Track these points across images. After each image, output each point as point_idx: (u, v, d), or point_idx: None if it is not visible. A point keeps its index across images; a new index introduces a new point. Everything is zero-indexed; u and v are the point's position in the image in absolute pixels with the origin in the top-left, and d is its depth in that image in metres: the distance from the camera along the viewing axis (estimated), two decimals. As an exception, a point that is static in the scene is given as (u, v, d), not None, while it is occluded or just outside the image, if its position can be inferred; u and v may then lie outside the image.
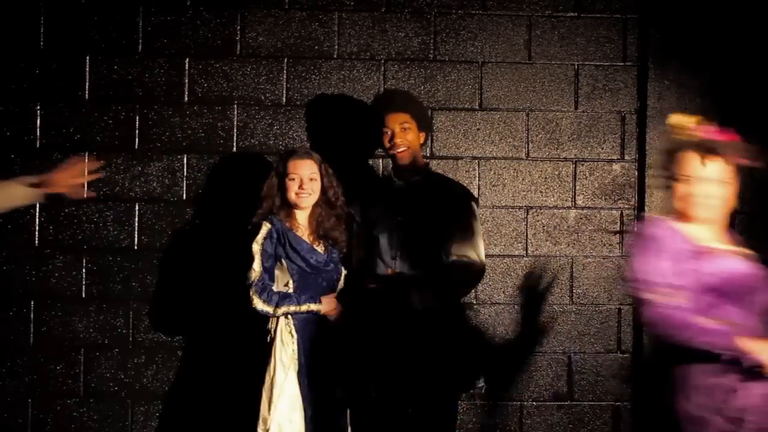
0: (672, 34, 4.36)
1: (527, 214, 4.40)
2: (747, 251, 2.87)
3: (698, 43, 4.36)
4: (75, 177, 3.40)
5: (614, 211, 4.41)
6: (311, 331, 3.57)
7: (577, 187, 4.41)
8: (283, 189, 3.63)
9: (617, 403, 4.40)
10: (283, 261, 3.55)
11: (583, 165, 4.41)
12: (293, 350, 3.51)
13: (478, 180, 4.38)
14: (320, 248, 3.66)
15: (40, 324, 4.26)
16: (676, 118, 2.88)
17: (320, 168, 3.68)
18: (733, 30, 4.37)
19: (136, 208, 4.29)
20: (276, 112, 4.34)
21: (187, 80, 4.32)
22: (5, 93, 4.26)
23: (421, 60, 4.40)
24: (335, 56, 4.37)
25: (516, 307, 4.38)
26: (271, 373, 3.48)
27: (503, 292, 4.38)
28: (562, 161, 4.41)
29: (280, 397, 3.45)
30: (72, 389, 4.27)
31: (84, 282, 4.28)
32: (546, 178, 4.40)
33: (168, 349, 4.30)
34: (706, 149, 2.77)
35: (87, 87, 4.29)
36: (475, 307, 4.35)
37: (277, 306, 3.48)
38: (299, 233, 3.63)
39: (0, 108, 4.25)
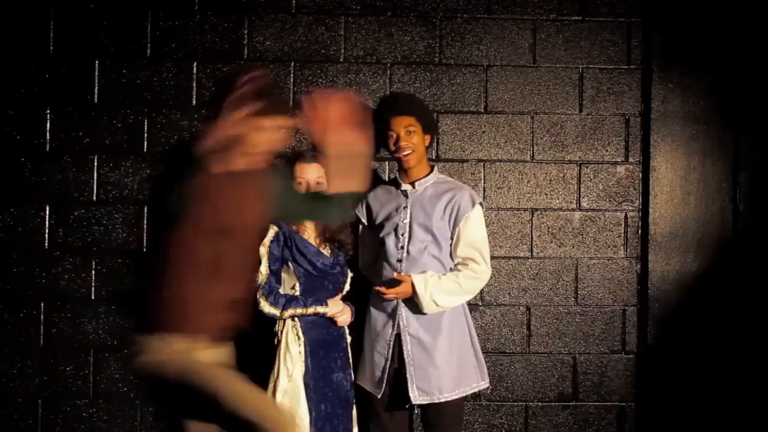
0: (675, 37, 4.38)
1: (532, 215, 4.42)
2: None
3: (702, 46, 4.38)
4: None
5: (618, 213, 4.43)
6: (318, 333, 3.60)
7: (582, 189, 4.43)
8: (290, 192, 3.66)
9: (622, 404, 4.42)
10: (290, 264, 3.58)
11: (587, 167, 4.44)
12: (300, 352, 3.54)
13: (484, 182, 4.41)
14: (326, 251, 3.69)
15: (50, 325, 4.30)
16: None
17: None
18: (736, 33, 4.39)
19: (145, 210, 4.33)
20: (283, 116, 4.37)
21: (195, 84, 4.36)
22: (16, 97, 4.30)
23: (426, 63, 4.42)
24: (342, 60, 4.40)
25: (521, 308, 4.41)
26: (275, 376, 3.51)
27: (508, 293, 4.41)
28: (566, 163, 4.43)
29: (281, 399, 3.47)
30: (81, 390, 4.31)
31: (93, 284, 4.32)
32: (551, 180, 4.42)
33: (176, 350, 4.33)
34: None
35: (96, 91, 4.33)
36: (480, 308, 4.38)
37: (283, 308, 3.51)
38: (306, 236, 3.66)
39: (11, 112, 4.30)
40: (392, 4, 4.42)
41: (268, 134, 2.84)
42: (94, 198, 4.32)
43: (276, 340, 3.58)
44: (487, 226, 3.92)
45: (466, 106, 4.42)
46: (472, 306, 4.24)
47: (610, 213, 4.43)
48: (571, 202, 4.43)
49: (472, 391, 3.82)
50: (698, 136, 4.40)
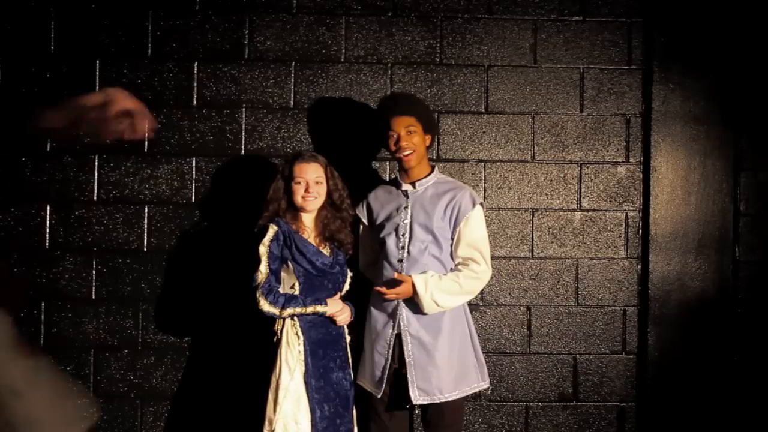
0: (676, 37, 4.39)
1: (533, 216, 4.42)
2: None
3: (702, 47, 4.38)
4: None
5: (619, 213, 4.43)
6: (317, 332, 3.59)
7: (583, 190, 4.43)
8: (289, 192, 3.65)
9: (622, 404, 4.42)
10: (290, 263, 3.58)
11: (588, 167, 4.44)
12: (299, 351, 3.54)
13: (484, 182, 4.41)
14: (326, 250, 3.69)
15: (51, 325, 4.31)
16: None
17: (326, 171, 3.70)
18: (736, 33, 4.39)
19: (146, 210, 4.33)
20: (284, 116, 4.38)
21: (195, 84, 4.36)
22: (16, 96, 4.30)
23: (427, 64, 4.42)
24: (342, 60, 4.40)
25: (522, 308, 4.40)
26: (277, 375, 3.51)
27: (509, 293, 4.41)
28: (567, 164, 4.43)
29: (285, 398, 3.47)
30: (81, 390, 4.31)
31: (94, 283, 4.32)
32: (551, 180, 4.42)
33: (177, 350, 4.34)
34: None
35: (97, 91, 4.33)
36: (481, 308, 4.38)
37: (283, 308, 3.50)
38: (305, 236, 3.65)
39: (11, 112, 4.30)
40: (393, 4, 4.42)
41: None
42: (95, 198, 4.32)
43: (276, 339, 3.58)
44: (487, 227, 3.92)
45: (467, 106, 4.42)
46: (472, 306, 4.24)
47: (611, 213, 4.43)
48: (571, 203, 4.43)
49: (472, 392, 3.81)
50: (699, 136, 4.40)
